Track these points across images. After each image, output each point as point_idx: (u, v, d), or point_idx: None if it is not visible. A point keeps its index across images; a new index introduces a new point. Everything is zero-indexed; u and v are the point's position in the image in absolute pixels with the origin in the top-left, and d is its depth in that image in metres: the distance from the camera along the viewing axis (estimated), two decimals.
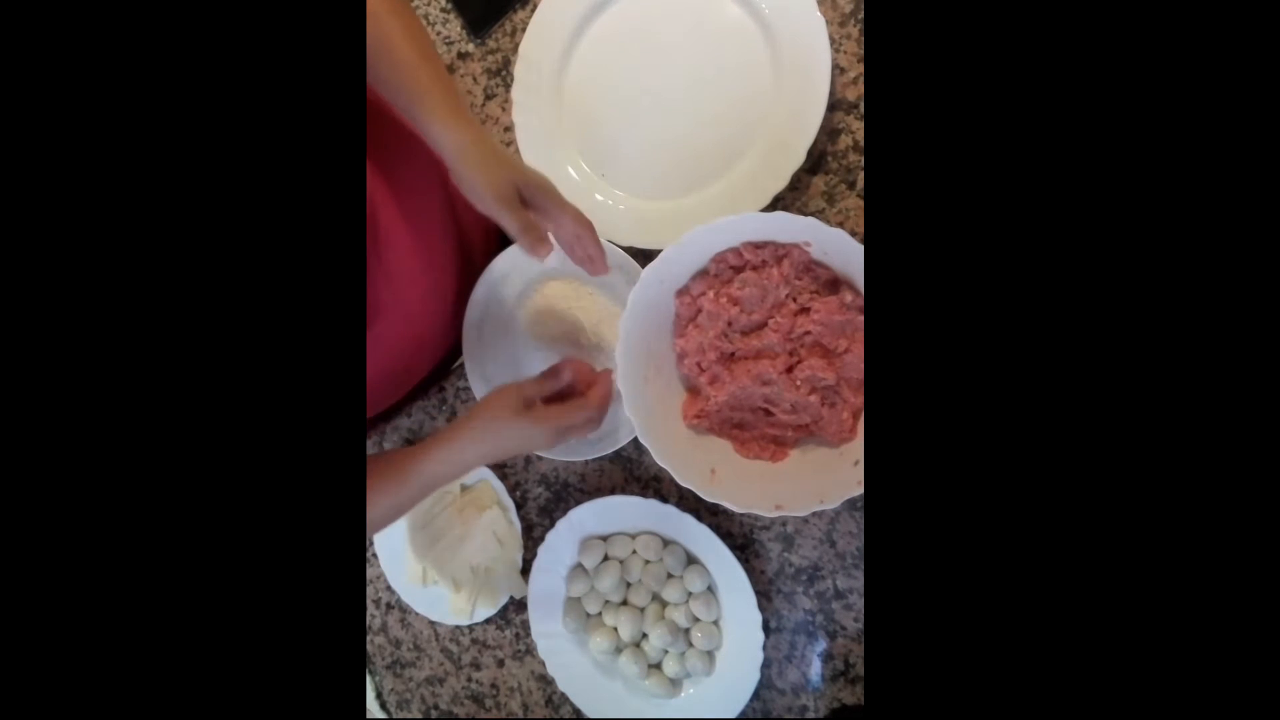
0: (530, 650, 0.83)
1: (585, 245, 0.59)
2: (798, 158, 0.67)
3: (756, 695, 0.72)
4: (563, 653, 0.78)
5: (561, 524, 0.77)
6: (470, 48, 0.80)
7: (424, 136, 0.57)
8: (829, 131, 0.69)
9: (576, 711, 0.79)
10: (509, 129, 0.78)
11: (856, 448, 0.63)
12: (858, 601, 0.70)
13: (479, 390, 0.78)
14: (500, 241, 0.78)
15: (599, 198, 0.76)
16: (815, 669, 0.72)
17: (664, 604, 0.75)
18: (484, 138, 0.57)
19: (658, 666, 0.75)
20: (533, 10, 0.76)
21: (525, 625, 0.81)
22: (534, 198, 0.57)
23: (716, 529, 0.72)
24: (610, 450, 0.74)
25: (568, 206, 0.58)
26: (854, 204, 0.69)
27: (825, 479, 0.63)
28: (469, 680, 0.87)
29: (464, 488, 0.84)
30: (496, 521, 0.81)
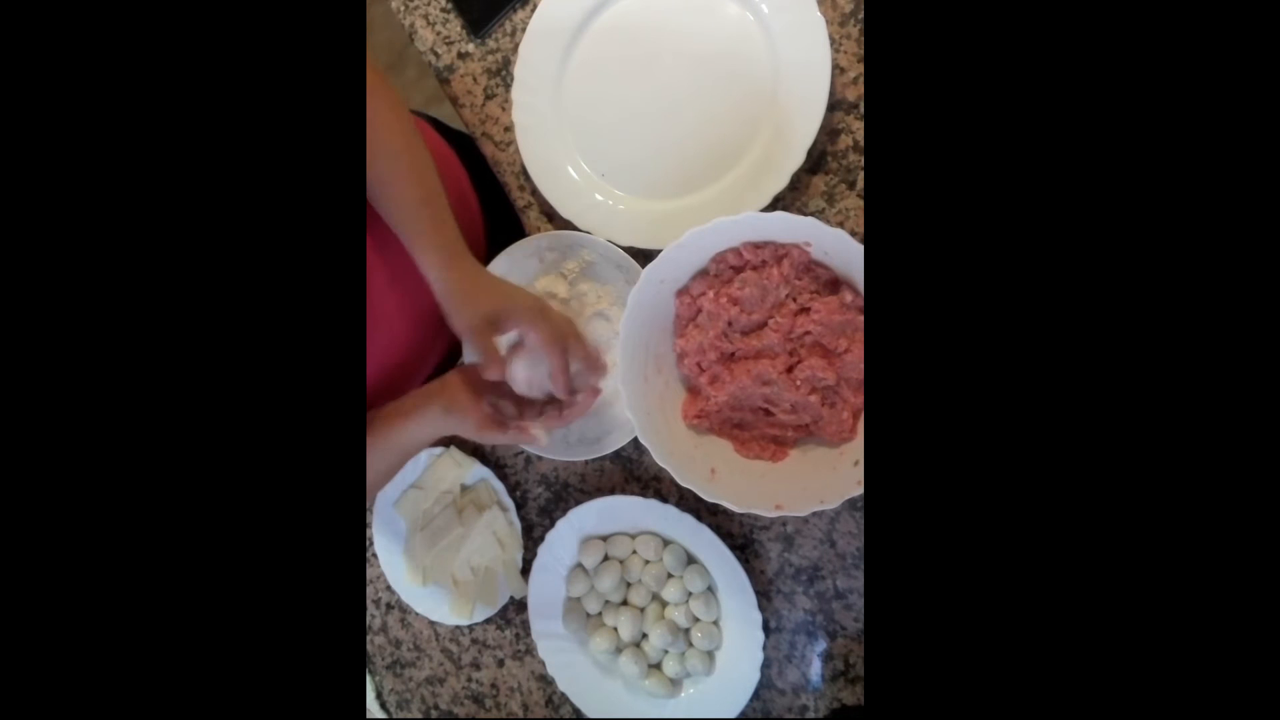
0: (530, 650, 0.83)
1: (556, 356, 0.60)
2: (798, 158, 0.67)
3: (756, 695, 0.72)
4: (563, 653, 0.78)
5: (561, 524, 0.77)
6: (470, 48, 0.80)
7: (416, 263, 0.61)
8: (829, 131, 0.69)
9: (576, 711, 0.79)
10: (509, 129, 0.78)
11: (856, 448, 0.63)
12: (858, 601, 0.70)
13: None
14: (489, 252, 0.78)
15: (599, 198, 0.76)
16: (815, 669, 0.72)
17: (664, 604, 0.75)
18: (468, 275, 0.61)
19: (658, 666, 0.75)
20: (533, 10, 0.76)
21: (525, 625, 0.81)
22: (509, 321, 0.61)
23: (716, 529, 0.72)
24: (610, 450, 0.74)
25: (542, 325, 0.60)
26: (854, 204, 0.69)
27: (825, 479, 0.63)
28: (469, 680, 0.87)
29: (464, 488, 0.84)
30: (496, 521, 0.81)
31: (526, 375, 0.62)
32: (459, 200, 0.83)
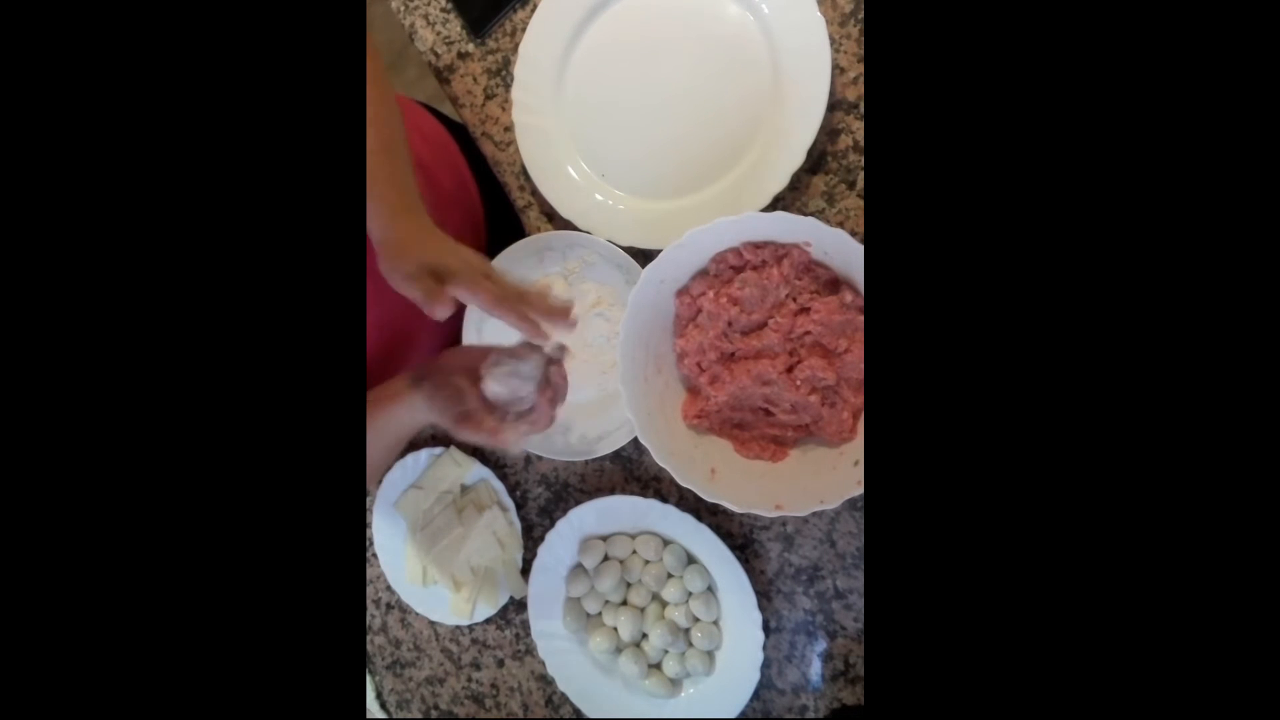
0: (530, 650, 0.83)
1: (509, 313, 0.57)
2: (798, 158, 0.67)
3: (756, 695, 0.72)
4: (563, 653, 0.78)
5: (561, 524, 0.77)
6: (470, 48, 0.80)
7: (380, 248, 0.58)
8: (829, 131, 0.69)
9: (576, 711, 0.79)
10: (509, 129, 0.78)
11: (856, 448, 0.63)
12: (858, 601, 0.70)
13: None
14: (489, 251, 0.78)
15: (599, 198, 0.76)
16: (815, 669, 0.72)
17: (664, 604, 0.75)
18: (416, 228, 0.58)
19: (658, 666, 0.75)
20: (533, 10, 0.76)
21: (525, 625, 0.81)
22: (453, 282, 0.56)
23: (716, 529, 0.72)
24: (610, 450, 0.74)
25: (486, 286, 0.56)
26: (854, 204, 0.69)
27: (825, 479, 0.63)
28: (469, 680, 0.87)
29: (464, 488, 0.84)
30: (496, 521, 0.81)
31: (500, 388, 0.59)
32: (458, 188, 0.83)
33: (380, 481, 0.86)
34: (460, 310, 0.78)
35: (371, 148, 0.59)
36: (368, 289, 0.65)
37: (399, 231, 0.58)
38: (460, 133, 0.86)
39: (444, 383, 0.62)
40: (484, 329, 0.78)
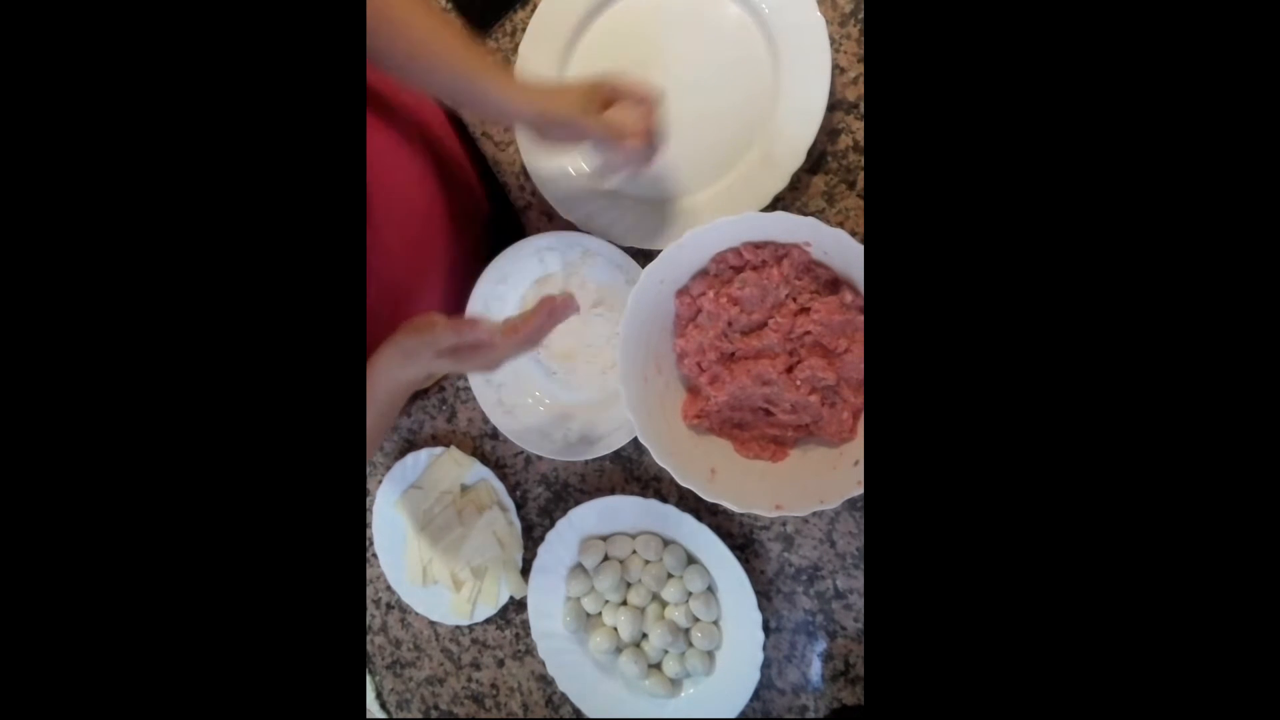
0: (530, 650, 0.83)
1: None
2: (798, 157, 0.67)
3: (756, 695, 0.72)
4: (563, 653, 0.78)
5: (561, 524, 0.77)
6: None
7: (485, 111, 0.64)
8: (829, 131, 0.69)
9: (576, 711, 0.79)
10: (509, 129, 0.78)
11: (856, 448, 0.63)
12: (858, 601, 0.70)
13: (479, 390, 0.78)
14: (489, 251, 0.77)
15: (599, 198, 0.75)
16: (815, 669, 0.72)
17: (664, 604, 0.75)
18: (544, 87, 0.62)
19: (658, 666, 0.75)
20: (533, 10, 0.76)
21: (525, 625, 0.81)
22: (608, 92, 0.62)
23: (716, 529, 0.72)
24: (610, 450, 0.74)
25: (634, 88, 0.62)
26: (854, 204, 0.69)
27: (825, 479, 0.63)
28: (469, 680, 0.87)
29: (464, 488, 0.84)
30: (496, 521, 0.81)
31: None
32: (456, 165, 0.82)
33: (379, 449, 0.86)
34: (463, 286, 0.77)
35: (460, 50, 0.60)
36: (391, 184, 0.65)
37: (541, 94, 0.61)
38: (455, 119, 0.86)
39: (408, 332, 0.59)
40: (490, 305, 0.77)
